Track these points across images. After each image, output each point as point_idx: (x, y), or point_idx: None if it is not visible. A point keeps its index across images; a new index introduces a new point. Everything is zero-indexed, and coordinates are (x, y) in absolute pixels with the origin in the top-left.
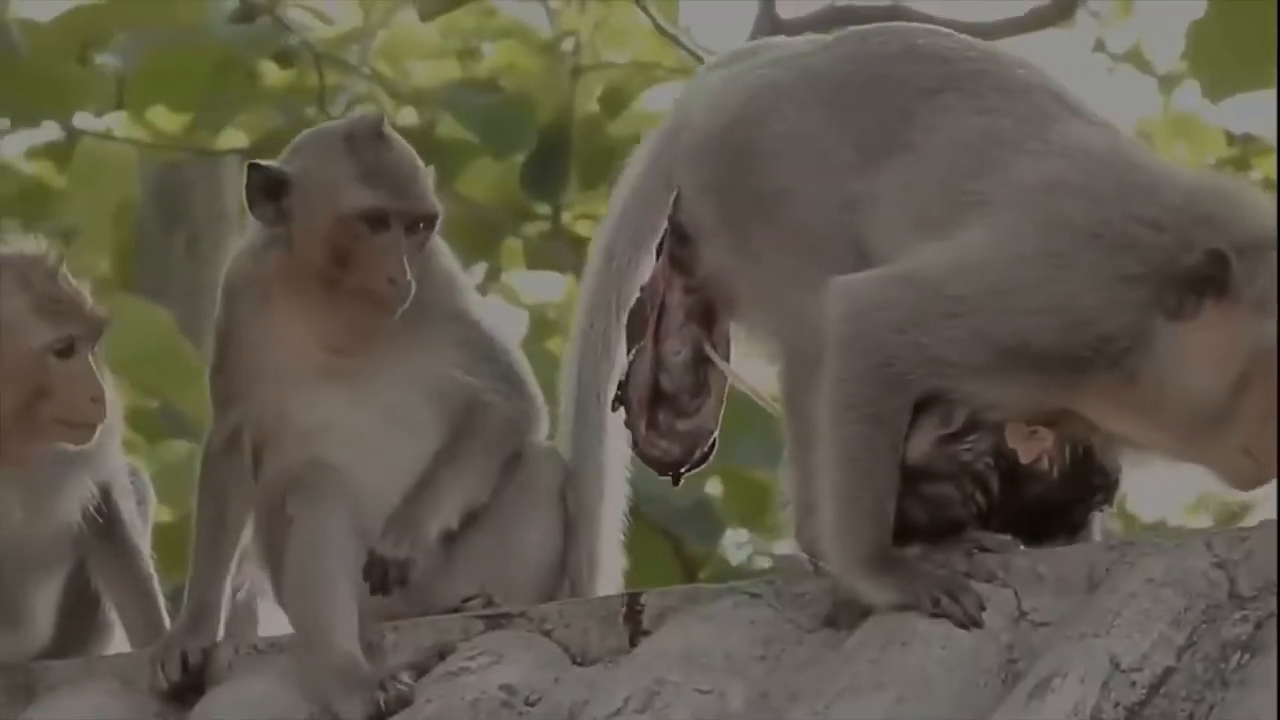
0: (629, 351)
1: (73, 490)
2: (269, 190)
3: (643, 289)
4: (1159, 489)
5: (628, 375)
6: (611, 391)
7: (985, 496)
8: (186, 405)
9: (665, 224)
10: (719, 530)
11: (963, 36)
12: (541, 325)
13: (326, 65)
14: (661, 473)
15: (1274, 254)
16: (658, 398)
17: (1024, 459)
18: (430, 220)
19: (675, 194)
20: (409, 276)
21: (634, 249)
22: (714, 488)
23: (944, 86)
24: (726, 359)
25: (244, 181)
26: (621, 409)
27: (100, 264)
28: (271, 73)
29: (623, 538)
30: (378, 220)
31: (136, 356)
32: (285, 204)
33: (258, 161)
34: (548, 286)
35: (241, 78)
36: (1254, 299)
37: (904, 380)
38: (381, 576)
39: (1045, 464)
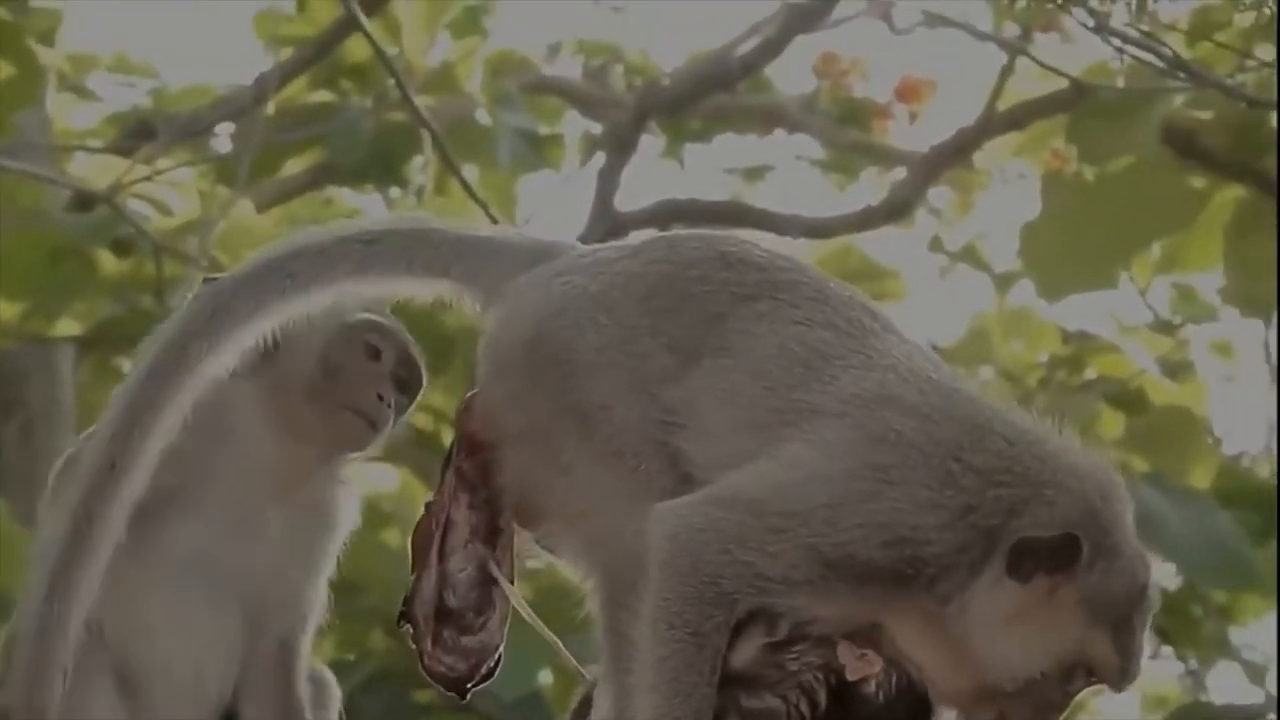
0: (413, 570)
1: None
2: None
3: (428, 505)
4: None
5: (413, 592)
6: None
7: (811, 710)
8: (17, 591)
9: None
10: None
11: (771, 247)
12: (376, 516)
13: (164, 255)
14: (448, 689)
15: (1105, 520)
16: (443, 614)
17: (850, 676)
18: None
19: (466, 404)
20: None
21: None
22: (545, 678)
23: (759, 294)
24: (510, 576)
25: None
26: (408, 626)
27: None
28: (108, 262)
29: None
30: (375, 349)
31: None
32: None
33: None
34: (383, 478)
35: (78, 266)
36: (1090, 594)
37: (729, 599)
38: None
39: (872, 688)
